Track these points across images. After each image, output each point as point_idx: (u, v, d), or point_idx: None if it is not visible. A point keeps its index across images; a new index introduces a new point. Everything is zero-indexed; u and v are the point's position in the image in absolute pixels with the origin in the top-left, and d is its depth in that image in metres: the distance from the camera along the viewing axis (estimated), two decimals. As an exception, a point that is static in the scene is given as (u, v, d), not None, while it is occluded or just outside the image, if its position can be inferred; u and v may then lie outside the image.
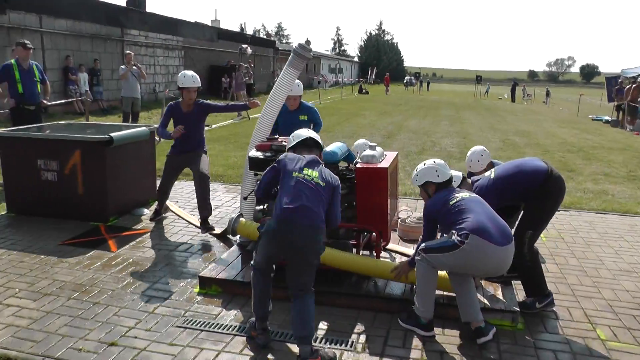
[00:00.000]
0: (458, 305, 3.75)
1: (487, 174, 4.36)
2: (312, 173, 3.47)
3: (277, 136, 5.15)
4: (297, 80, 5.68)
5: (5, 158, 6.38)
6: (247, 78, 22.24)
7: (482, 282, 4.36)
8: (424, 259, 3.66)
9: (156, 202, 6.39)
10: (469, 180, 4.42)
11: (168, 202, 6.55)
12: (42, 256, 5.03)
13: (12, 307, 4.03)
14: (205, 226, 5.92)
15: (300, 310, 3.35)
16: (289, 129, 5.63)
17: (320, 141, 3.85)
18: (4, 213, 6.38)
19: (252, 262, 3.61)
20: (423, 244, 3.75)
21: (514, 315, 3.92)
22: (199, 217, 6.01)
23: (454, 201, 3.69)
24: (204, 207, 5.91)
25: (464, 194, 3.78)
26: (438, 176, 3.86)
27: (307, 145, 3.76)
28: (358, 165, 4.52)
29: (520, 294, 4.30)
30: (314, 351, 3.33)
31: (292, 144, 3.80)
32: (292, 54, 5.19)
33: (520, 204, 4.33)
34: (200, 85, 5.99)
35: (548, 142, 15.13)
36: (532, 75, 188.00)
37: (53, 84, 16.31)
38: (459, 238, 3.49)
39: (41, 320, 3.84)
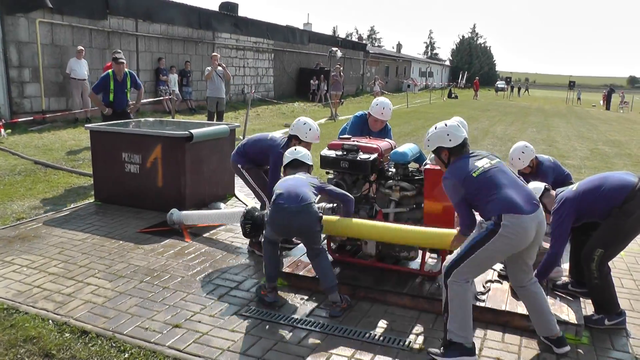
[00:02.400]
0: (532, 321, 3.61)
1: (571, 186, 4.10)
2: None
3: (348, 136, 5.19)
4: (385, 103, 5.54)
5: (95, 151, 6.84)
6: (341, 78, 22.18)
7: (548, 290, 4.18)
8: (457, 275, 3.32)
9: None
10: (553, 192, 4.15)
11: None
12: (121, 242, 5.36)
13: (91, 285, 4.35)
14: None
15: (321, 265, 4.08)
16: None
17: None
18: (91, 201, 6.84)
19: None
20: (454, 256, 3.39)
21: (577, 328, 3.72)
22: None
23: (476, 173, 3.39)
24: None
25: (484, 163, 3.47)
26: (450, 140, 3.54)
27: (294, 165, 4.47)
28: (427, 167, 4.47)
29: (588, 307, 4.08)
30: (342, 298, 4.04)
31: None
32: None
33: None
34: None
35: (642, 152, 14.18)
36: (633, 81, 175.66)
37: (145, 84, 17.25)
38: (491, 222, 3.25)
39: (115, 299, 4.11)
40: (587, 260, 3.84)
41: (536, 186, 4.12)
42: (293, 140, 4.97)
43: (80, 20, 15.10)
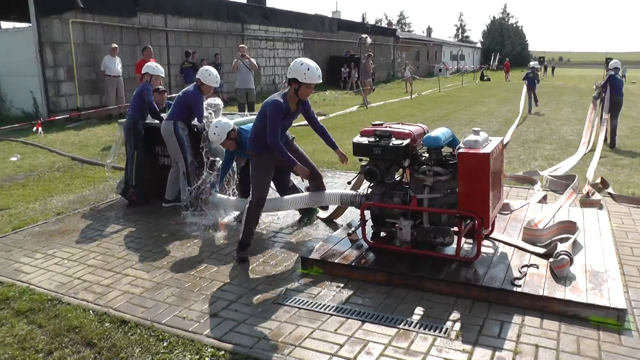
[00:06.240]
0: None
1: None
2: None
3: (381, 122, 5.13)
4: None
5: (131, 145, 6.91)
6: (373, 65, 22.12)
7: (587, 273, 4.07)
8: None
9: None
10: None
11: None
12: (157, 233, 5.45)
13: (129, 276, 4.44)
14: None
15: None
16: None
17: None
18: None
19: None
20: None
21: (619, 313, 3.57)
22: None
23: None
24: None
25: None
26: None
27: None
28: (461, 150, 4.39)
29: (631, 291, 3.95)
30: None
31: None
32: None
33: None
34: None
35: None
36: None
37: (176, 78, 17.51)
38: None
39: (152, 289, 4.18)
40: None
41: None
42: (292, 84, 4.73)
43: (111, 18, 15.34)
